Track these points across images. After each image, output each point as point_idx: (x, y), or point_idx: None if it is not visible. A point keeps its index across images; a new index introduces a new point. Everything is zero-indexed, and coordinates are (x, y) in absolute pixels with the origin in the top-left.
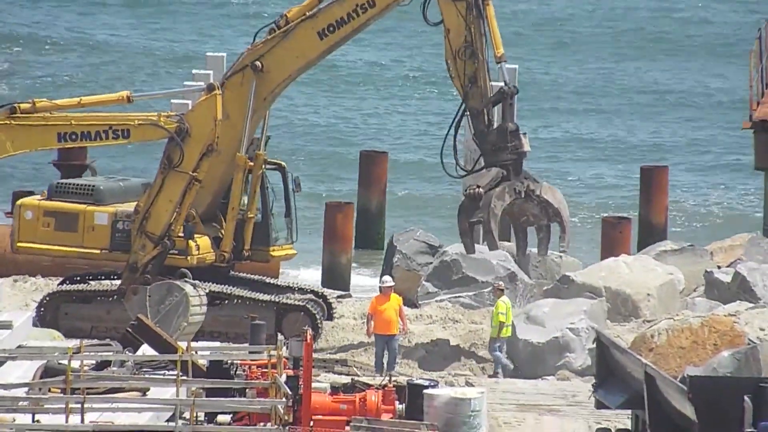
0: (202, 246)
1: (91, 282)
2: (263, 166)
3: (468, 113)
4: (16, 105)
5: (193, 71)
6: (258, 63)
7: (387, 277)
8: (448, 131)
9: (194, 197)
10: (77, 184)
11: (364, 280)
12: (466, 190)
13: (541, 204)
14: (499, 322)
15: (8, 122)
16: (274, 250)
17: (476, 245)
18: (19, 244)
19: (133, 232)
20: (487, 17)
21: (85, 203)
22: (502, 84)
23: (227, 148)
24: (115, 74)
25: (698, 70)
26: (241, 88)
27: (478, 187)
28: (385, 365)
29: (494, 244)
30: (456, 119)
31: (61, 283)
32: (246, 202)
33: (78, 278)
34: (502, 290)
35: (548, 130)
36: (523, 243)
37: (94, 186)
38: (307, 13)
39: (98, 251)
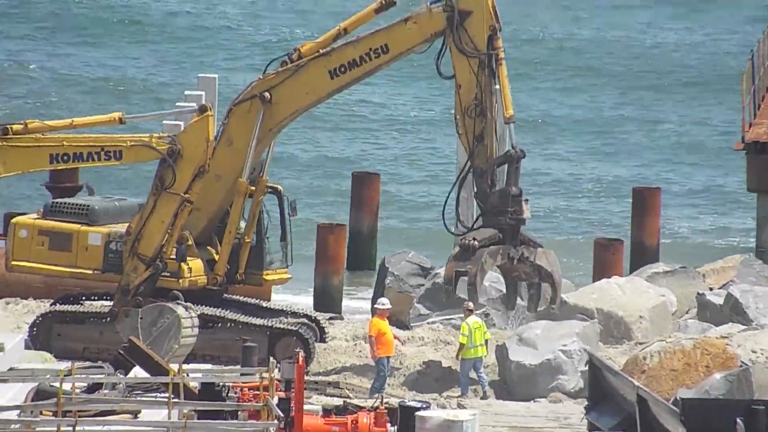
0: (194, 269)
1: (84, 303)
2: (264, 192)
3: (472, 171)
4: (8, 126)
5: (186, 92)
6: (267, 94)
7: (384, 299)
8: (452, 187)
9: (189, 220)
10: (72, 204)
11: (356, 302)
12: (461, 240)
13: (533, 266)
14: (461, 344)
15: (0, 143)
16: (267, 274)
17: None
18: (13, 263)
19: (125, 253)
20: (500, 76)
21: (79, 223)
22: (509, 147)
23: (228, 174)
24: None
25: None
26: (248, 116)
27: (474, 239)
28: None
29: (475, 299)
30: (460, 176)
31: (54, 304)
32: (244, 226)
33: (71, 299)
34: (471, 311)
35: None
36: (513, 296)
37: (88, 206)
38: (321, 51)
39: (91, 272)
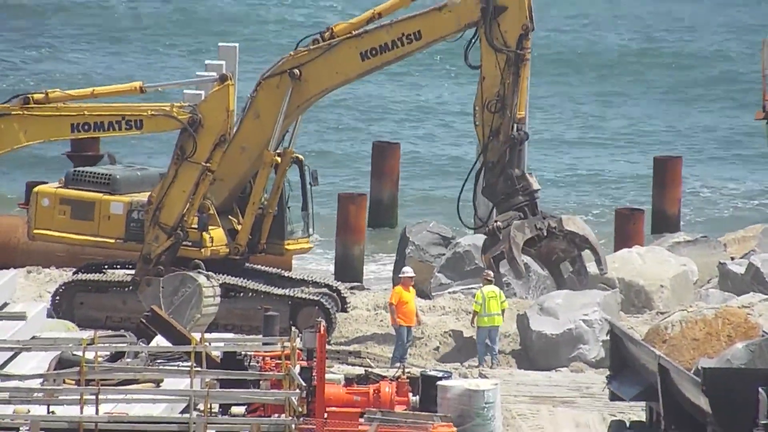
0: (216, 238)
1: (107, 272)
2: (289, 163)
3: (483, 165)
4: (29, 95)
5: (206, 62)
6: (296, 71)
7: (408, 268)
8: (464, 182)
9: (211, 189)
10: (94, 173)
11: (377, 271)
12: (486, 228)
13: (566, 237)
14: (474, 312)
15: (21, 113)
16: (289, 244)
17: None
18: (35, 231)
19: (146, 223)
20: (521, 75)
21: (101, 192)
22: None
23: (253, 146)
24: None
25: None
26: (277, 91)
27: (497, 221)
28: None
29: (520, 272)
30: (474, 170)
31: (76, 272)
32: (267, 196)
33: (93, 267)
34: (490, 280)
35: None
36: (561, 278)
37: (110, 175)
38: (353, 32)
39: (113, 241)
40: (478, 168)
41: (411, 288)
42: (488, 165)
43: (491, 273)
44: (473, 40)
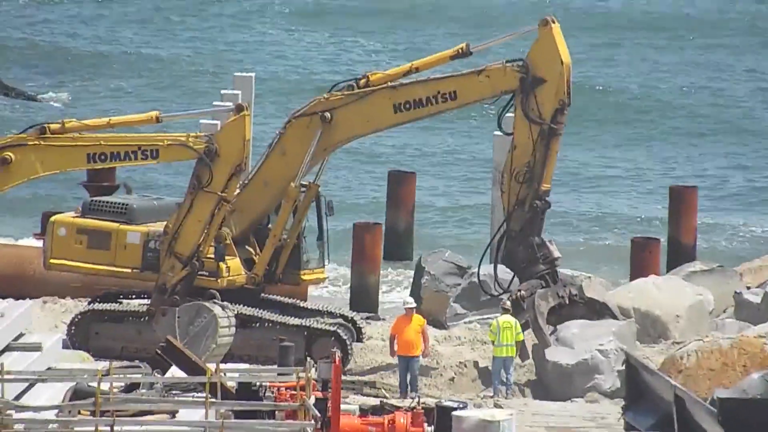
0: (232, 268)
1: (122, 302)
2: (313, 197)
3: (506, 234)
4: (45, 125)
5: (222, 91)
6: (328, 114)
7: (409, 298)
8: (486, 249)
9: (230, 220)
10: (110, 202)
11: (393, 299)
12: (509, 297)
13: (587, 304)
14: (491, 341)
15: (38, 143)
16: (305, 274)
17: (498, 270)
18: (51, 261)
19: (162, 252)
20: (551, 149)
21: (118, 222)
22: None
23: (276, 182)
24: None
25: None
26: (306, 131)
27: (520, 290)
28: (408, 387)
29: (546, 341)
30: (492, 239)
31: (92, 302)
32: (288, 228)
33: (109, 297)
34: (507, 309)
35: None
36: None
37: (127, 204)
38: (390, 83)
39: (130, 270)
40: (498, 238)
41: (414, 318)
42: (512, 234)
43: (509, 303)
44: (508, 106)
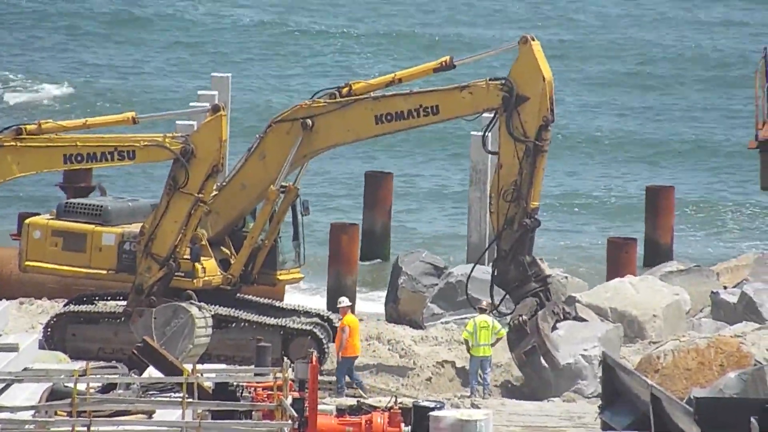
0: (208, 268)
1: (98, 303)
2: (293, 199)
3: (496, 254)
4: (22, 126)
5: (198, 92)
6: (309, 121)
7: (343, 298)
8: (473, 267)
9: (206, 222)
10: (85, 204)
11: (369, 302)
12: (511, 322)
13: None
14: (465, 340)
15: (14, 144)
16: (281, 274)
17: (480, 269)
18: (27, 263)
19: (139, 254)
20: (537, 166)
21: (93, 223)
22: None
23: (254, 185)
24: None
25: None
26: (286, 137)
27: (521, 316)
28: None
29: (557, 364)
30: (480, 257)
31: (67, 304)
32: (265, 229)
33: (85, 299)
34: (483, 309)
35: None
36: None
37: (102, 206)
38: (372, 94)
39: (105, 272)
40: (492, 257)
41: (347, 317)
42: (501, 253)
43: (484, 303)
44: (491, 124)
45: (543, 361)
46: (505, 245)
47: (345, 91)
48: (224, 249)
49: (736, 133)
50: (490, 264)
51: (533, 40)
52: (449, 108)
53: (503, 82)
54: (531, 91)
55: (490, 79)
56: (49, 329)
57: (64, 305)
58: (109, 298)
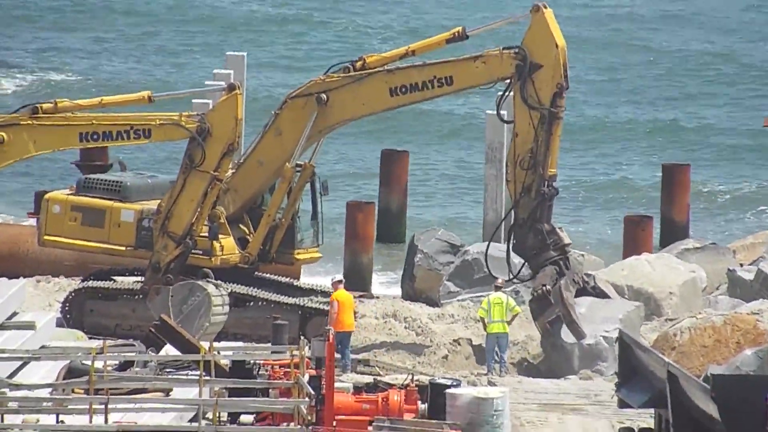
0: (226, 247)
1: (117, 279)
2: (309, 177)
3: (514, 222)
4: (38, 105)
5: (214, 71)
6: (324, 96)
7: (337, 275)
8: (493, 234)
9: (224, 200)
10: (105, 180)
11: (385, 280)
12: (533, 292)
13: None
14: (480, 318)
15: (30, 122)
16: (299, 253)
17: (497, 246)
18: (45, 237)
19: (155, 231)
20: (553, 133)
21: (112, 199)
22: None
23: (271, 161)
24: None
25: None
26: (301, 112)
27: (544, 286)
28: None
29: (581, 333)
30: (499, 227)
31: (85, 280)
32: (283, 207)
33: (103, 275)
34: (498, 286)
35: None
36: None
37: (121, 182)
38: (386, 67)
39: (124, 248)
40: (509, 225)
41: (337, 292)
42: (519, 221)
43: (500, 280)
44: (506, 93)
45: (566, 332)
46: (523, 213)
47: (359, 65)
48: (242, 227)
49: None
50: (506, 239)
51: (545, 7)
52: (463, 78)
53: (516, 50)
54: (544, 59)
55: (503, 48)
56: (67, 305)
57: (82, 280)
58: (126, 274)
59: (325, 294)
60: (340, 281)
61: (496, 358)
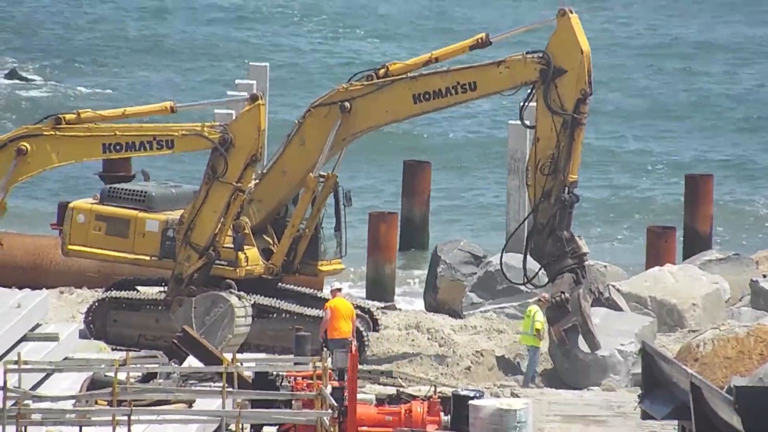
0: (251, 258)
1: (141, 289)
2: (332, 188)
3: (533, 226)
4: (61, 116)
5: (237, 81)
6: (347, 104)
7: (336, 282)
8: (509, 239)
9: (248, 210)
10: (129, 190)
11: (409, 290)
12: (551, 299)
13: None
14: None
15: (53, 133)
16: (322, 265)
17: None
18: (69, 247)
19: (178, 242)
20: (575, 139)
21: (136, 209)
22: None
23: (295, 171)
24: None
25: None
26: (324, 121)
27: (562, 293)
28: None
29: (596, 344)
30: (518, 228)
31: (108, 289)
32: (306, 218)
33: (126, 285)
34: (540, 300)
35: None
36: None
37: (146, 192)
38: (409, 74)
39: (148, 258)
40: (528, 231)
41: (334, 299)
42: (538, 226)
43: (546, 296)
44: (529, 98)
45: (582, 342)
46: (542, 218)
47: (382, 72)
48: (267, 238)
49: None
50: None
51: (571, 12)
52: (487, 84)
53: (540, 55)
54: (569, 64)
55: (527, 53)
56: (90, 314)
57: (105, 290)
58: (151, 284)
59: None
60: (338, 289)
61: (537, 370)
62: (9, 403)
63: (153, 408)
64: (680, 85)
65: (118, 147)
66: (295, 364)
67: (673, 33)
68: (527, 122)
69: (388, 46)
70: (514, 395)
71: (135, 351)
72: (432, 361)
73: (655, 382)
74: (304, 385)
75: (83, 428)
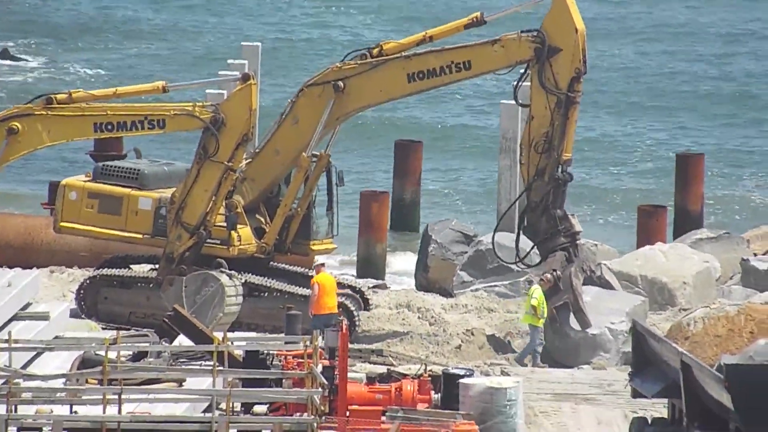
0: (243, 237)
1: (132, 267)
2: (324, 167)
3: (526, 205)
4: (52, 96)
5: (228, 61)
6: (341, 83)
7: (320, 258)
8: (501, 218)
9: (241, 189)
10: (122, 167)
11: (400, 268)
12: (543, 276)
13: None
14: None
15: (45, 113)
16: (314, 244)
17: (501, 236)
18: (61, 224)
19: (169, 222)
20: (570, 118)
21: (129, 187)
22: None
23: (287, 150)
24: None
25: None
26: (318, 100)
27: (555, 271)
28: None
29: (587, 322)
30: (506, 211)
31: (99, 267)
32: (298, 198)
33: (118, 262)
34: (541, 281)
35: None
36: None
37: (138, 170)
38: (403, 53)
39: (140, 236)
40: (520, 211)
41: (319, 275)
42: (532, 205)
43: (549, 276)
44: (523, 77)
45: (573, 319)
46: (536, 197)
47: (376, 51)
48: (259, 217)
49: None
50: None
51: None
52: (481, 63)
53: (535, 33)
54: (563, 43)
55: (521, 32)
56: (81, 291)
57: (97, 267)
58: (143, 261)
59: (340, 285)
60: (322, 264)
61: (538, 349)
62: None
63: (143, 387)
64: (668, 68)
65: (109, 126)
66: (286, 343)
67: (670, 19)
68: (521, 101)
69: (383, 25)
70: (504, 374)
71: (125, 329)
72: (422, 340)
73: (645, 360)
74: (295, 363)
75: (74, 407)
